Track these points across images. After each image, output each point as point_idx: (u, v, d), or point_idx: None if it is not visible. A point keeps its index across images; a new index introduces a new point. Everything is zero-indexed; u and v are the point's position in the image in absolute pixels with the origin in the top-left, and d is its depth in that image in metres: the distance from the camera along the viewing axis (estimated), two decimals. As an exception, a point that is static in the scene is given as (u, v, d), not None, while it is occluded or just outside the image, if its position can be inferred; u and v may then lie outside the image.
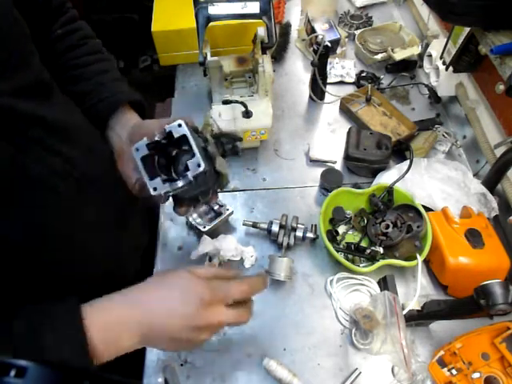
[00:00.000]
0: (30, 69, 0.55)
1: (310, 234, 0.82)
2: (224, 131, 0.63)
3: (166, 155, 0.55)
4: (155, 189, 0.52)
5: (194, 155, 0.51)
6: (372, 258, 0.80)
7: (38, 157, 0.53)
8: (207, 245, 0.79)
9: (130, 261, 0.78)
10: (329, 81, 1.09)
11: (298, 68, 1.20)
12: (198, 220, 0.85)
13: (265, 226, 0.83)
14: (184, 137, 0.52)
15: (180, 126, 0.52)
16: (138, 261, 0.81)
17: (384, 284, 0.77)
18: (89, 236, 0.64)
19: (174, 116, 1.08)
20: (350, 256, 0.82)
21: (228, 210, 0.85)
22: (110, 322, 0.49)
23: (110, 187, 0.70)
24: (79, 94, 0.69)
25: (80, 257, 0.64)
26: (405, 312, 0.71)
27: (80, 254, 0.64)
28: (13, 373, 0.31)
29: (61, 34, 0.71)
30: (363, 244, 0.82)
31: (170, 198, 0.61)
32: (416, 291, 0.73)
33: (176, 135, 0.52)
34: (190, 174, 0.51)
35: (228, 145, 0.62)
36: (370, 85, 1.08)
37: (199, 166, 0.51)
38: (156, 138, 0.53)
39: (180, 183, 0.52)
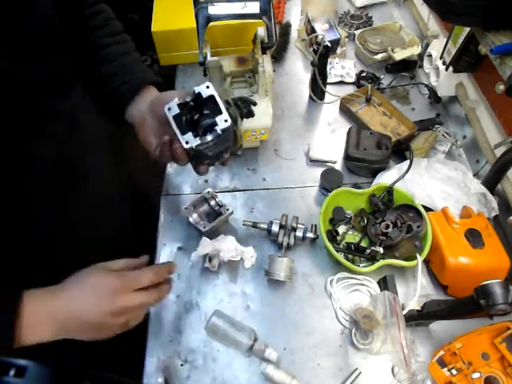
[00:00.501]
0: (51, 62, 0.59)
1: (310, 234, 0.82)
2: (240, 96, 0.68)
3: (190, 117, 0.60)
4: (187, 142, 0.57)
5: (221, 112, 0.57)
6: (372, 258, 0.80)
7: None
8: (206, 246, 0.79)
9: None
10: (329, 81, 1.09)
11: (298, 68, 1.20)
12: (198, 220, 0.85)
13: (265, 226, 0.83)
14: (211, 98, 0.58)
15: (208, 87, 0.58)
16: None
17: (384, 284, 0.77)
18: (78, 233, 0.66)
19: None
20: (350, 256, 0.82)
21: (228, 210, 0.85)
22: (36, 309, 0.54)
23: (106, 188, 0.71)
24: (105, 75, 0.73)
25: (69, 254, 0.65)
26: (405, 312, 0.71)
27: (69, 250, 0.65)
28: (12, 372, 0.31)
29: (89, 14, 0.74)
30: (363, 244, 0.82)
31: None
32: (416, 291, 0.73)
33: (204, 95, 0.58)
34: (218, 128, 0.57)
35: (244, 109, 0.67)
36: (370, 85, 1.08)
37: (226, 120, 0.57)
38: (186, 99, 0.59)
39: (209, 137, 0.58)
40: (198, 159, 0.66)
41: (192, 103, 0.59)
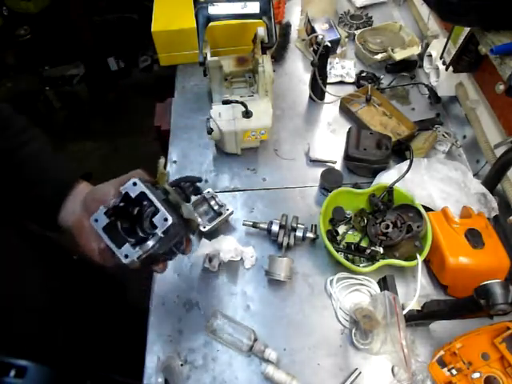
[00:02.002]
0: None
1: (309, 234, 0.82)
2: (180, 177, 0.59)
3: (127, 215, 0.53)
4: (126, 256, 0.50)
5: (157, 210, 0.50)
6: (372, 258, 0.80)
7: None
8: (206, 246, 0.79)
9: None
10: (329, 81, 1.09)
11: (298, 68, 1.20)
12: (198, 220, 0.85)
13: (265, 226, 0.83)
14: (142, 194, 0.50)
15: (135, 184, 0.50)
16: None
17: (384, 284, 0.77)
18: None
19: (174, 118, 1.08)
20: (350, 256, 0.82)
21: (228, 210, 0.85)
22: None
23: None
24: (25, 182, 0.64)
25: None
26: (405, 312, 0.71)
27: None
28: (13, 373, 0.31)
29: None
30: (363, 244, 0.82)
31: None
32: (416, 291, 0.73)
33: (133, 195, 0.51)
34: (159, 231, 0.50)
35: (189, 188, 0.59)
36: (370, 85, 1.08)
37: (166, 220, 0.49)
38: (112, 204, 0.51)
39: (150, 243, 0.50)
40: (152, 259, 0.56)
41: (122, 203, 0.51)
